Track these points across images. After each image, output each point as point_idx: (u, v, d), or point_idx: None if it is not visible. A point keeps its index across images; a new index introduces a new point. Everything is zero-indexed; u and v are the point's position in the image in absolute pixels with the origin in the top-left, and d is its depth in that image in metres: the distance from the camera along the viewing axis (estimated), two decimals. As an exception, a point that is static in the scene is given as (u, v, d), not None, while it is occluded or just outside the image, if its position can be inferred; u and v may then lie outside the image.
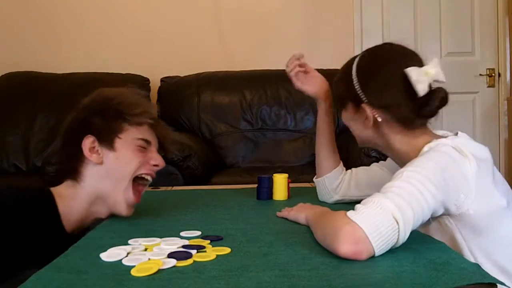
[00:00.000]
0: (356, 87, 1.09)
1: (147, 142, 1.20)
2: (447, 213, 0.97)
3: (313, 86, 1.33)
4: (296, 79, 1.33)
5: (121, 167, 1.16)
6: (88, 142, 1.17)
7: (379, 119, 1.07)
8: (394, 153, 1.12)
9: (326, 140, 1.33)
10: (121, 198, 1.16)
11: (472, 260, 0.98)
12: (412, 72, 1.02)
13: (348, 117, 1.15)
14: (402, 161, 1.10)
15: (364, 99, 1.08)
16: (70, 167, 1.19)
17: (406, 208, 0.85)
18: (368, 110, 1.07)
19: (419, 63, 1.06)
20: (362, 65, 1.11)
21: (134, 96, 1.27)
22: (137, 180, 1.19)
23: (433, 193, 0.89)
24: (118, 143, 1.17)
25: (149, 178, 1.21)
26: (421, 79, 1.02)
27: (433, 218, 0.98)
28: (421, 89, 1.02)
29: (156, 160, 1.21)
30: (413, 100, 1.03)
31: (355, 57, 1.15)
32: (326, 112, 1.32)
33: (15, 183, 2.36)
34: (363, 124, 1.11)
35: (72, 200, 1.16)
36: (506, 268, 0.98)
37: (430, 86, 1.03)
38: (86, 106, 1.29)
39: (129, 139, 1.18)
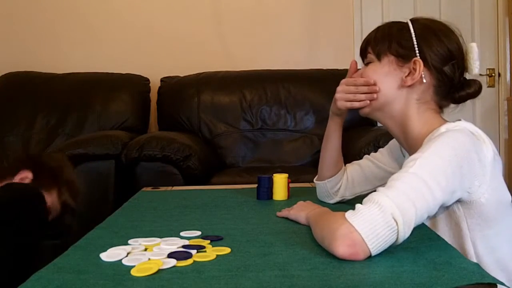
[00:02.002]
0: (415, 41, 1.04)
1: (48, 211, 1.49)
2: (458, 199, 0.95)
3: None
4: None
5: None
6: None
7: (424, 80, 1.04)
8: (405, 126, 1.08)
9: (334, 146, 1.30)
10: None
11: (471, 250, 0.98)
12: (475, 48, 1.03)
13: (379, 71, 1.08)
14: (409, 137, 1.08)
15: (418, 54, 1.04)
16: None
17: (408, 208, 0.83)
18: (420, 66, 1.03)
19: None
20: (423, 26, 1.07)
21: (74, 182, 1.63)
22: None
23: (443, 186, 0.87)
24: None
25: None
26: (478, 57, 1.03)
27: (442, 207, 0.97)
28: (477, 67, 1.03)
29: None
30: (459, 77, 1.05)
31: (398, 22, 1.11)
32: (339, 123, 1.28)
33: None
34: (398, 81, 1.06)
35: None
36: (504, 263, 0.98)
37: None
38: None
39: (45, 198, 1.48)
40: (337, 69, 3.00)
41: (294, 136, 2.90)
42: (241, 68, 3.10)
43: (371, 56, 1.10)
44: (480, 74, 3.31)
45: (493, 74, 3.34)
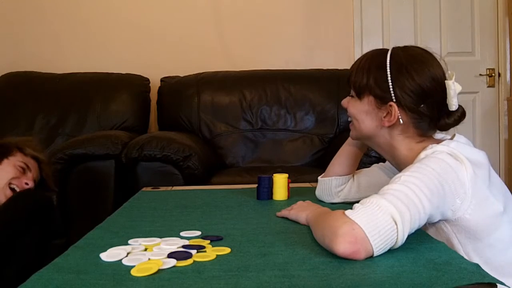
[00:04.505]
0: (390, 84, 1.05)
1: (27, 167, 1.75)
2: (443, 218, 0.97)
3: None
4: None
5: (0, 174, 1.68)
6: None
7: (401, 121, 1.05)
8: (393, 154, 1.11)
9: (357, 148, 1.29)
10: (1, 194, 1.66)
11: None
12: (452, 85, 1.03)
13: (360, 109, 1.11)
14: (397, 162, 1.11)
15: (394, 98, 1.05)
16: None
17: (404, 210, 0.85)
18: (395, 111, 1.05)
19: (445, 72, 1.07)
20: (398, 64, 1.06)
21: (33, 143, 1.88)
22: (11, 189, 1.69)
23: (429, 197, 0.89)
24: (4, 161, 1.72)
25: (18, 190, 1.70)
26: (455, 93, 1.03)
27: (430, 223, 0.98)
28: (455, 103, 1.03)
29: (28, 181, 1.73)
30: (439, 111, 1.05)
31: (383, 51, 1.10)
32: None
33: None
34: (377, 121, 1.09)
35: None
36: (503, 271, 0.99)
37: None
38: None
39: (14, 160, 1.73)
40: (337, 69, 3.00)
41: (294, 136, 2.90)
42: (241, 68, 3.10)
43: (352, 91, 1.13)
44: (480, 74, 3.32)
45: (493, 74, 3.34)
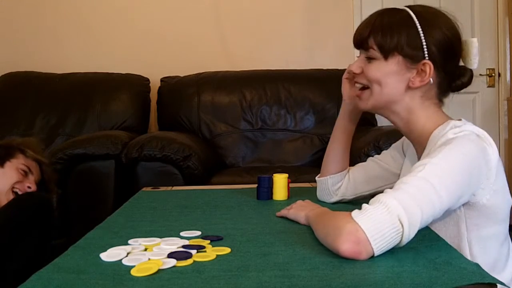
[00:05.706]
0: (423, 40, 0.99)
1: (29, 170, 1.75)
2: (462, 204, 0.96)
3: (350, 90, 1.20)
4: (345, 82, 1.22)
5: (3, 179, 1.69)
6: None
7: (431, 81, 1.01)
8: (409, 122, 1.06)
9: (343, 143, 1.28)
10: (3, 198, 1.66)
11: (467, 250, 0.98)
12: (476, 43, 1.02)
13: (386, 71, 1.02)
14: (412, 130, 1.07)
15: (427, 56, 1.00)
16: None
17: (414, 210, 0.83)
18: (430, 69, 1.00)
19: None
20: (425, 20, 1.00)
21: (34, 144, 1.87)
22: (14, 193, 1.70)
23: (451, 190, 0.87)
24: (7, 164, 1.72)
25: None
26: (478, 52, 1.02)
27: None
28: (476, 63, 1.02)
29: (31, 184, 1.73)
30: (457, 70, 1.04)
31: (398, 9, 1.04)
32: (350, 114, 1.23)
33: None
34: (405, 83, 1.02)
35: None
36: (497, 265, 0.99)
37: None
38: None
39: (17, 163, 1.73)
40: (337, 69, 3.00)
41: (294, 136, 2.90)
42: (241, 68, 3.10)
43: (375, 52, 1.03)
44: (480, 74, 3.31)
45: (493, 74, 3.34)
